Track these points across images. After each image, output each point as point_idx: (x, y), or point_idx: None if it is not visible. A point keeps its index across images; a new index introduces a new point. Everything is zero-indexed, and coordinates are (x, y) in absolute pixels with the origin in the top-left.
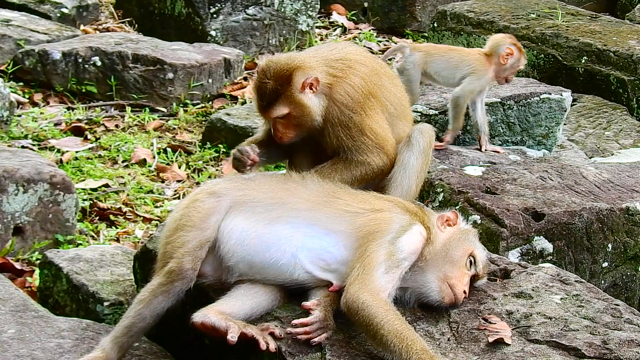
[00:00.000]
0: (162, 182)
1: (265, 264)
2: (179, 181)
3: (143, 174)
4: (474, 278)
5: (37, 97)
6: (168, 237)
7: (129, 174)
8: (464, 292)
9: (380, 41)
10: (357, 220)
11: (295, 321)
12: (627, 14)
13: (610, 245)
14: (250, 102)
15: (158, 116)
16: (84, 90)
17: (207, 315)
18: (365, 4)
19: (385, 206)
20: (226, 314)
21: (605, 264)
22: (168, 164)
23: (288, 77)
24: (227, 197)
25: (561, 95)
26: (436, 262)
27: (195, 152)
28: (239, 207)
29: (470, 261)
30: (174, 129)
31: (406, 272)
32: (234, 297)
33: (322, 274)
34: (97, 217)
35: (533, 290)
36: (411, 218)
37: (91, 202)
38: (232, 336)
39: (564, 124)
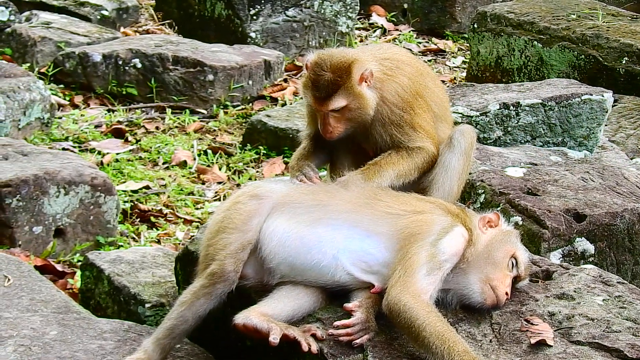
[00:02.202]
0: (203, 183)
1: (306, 265)
2: (219, 183)
3: (183, 176)
4: (515, 279)
5: (78, 99)
6: (210, 239)
7: (170, 176)
8: (506, 293)
9: (420, 42)
10: (399, 222)
11: (337, 322)
12: None
13: None
14: (291, 103)
15: (198, 118)
16: (124, 92)
17: (249, 317)
18: (405, 5)
19: (426, 208)
20: (268, 315)
21: None
22: (208, 166)
23: (347, 68)
24: (269, 199)
25: (602, 96)
26: (478, 263)
27: (236, 153)
28: (281, 209)
29: (512, 262)
30: (214, 130)
31: (448, 274)
32: (276, 299)
33: (363, 275)
34: (138, 219)
35: (575, 291)
36: (453, 220)
37: (132, 203)
38: (274, 337)
39: (605, 125)
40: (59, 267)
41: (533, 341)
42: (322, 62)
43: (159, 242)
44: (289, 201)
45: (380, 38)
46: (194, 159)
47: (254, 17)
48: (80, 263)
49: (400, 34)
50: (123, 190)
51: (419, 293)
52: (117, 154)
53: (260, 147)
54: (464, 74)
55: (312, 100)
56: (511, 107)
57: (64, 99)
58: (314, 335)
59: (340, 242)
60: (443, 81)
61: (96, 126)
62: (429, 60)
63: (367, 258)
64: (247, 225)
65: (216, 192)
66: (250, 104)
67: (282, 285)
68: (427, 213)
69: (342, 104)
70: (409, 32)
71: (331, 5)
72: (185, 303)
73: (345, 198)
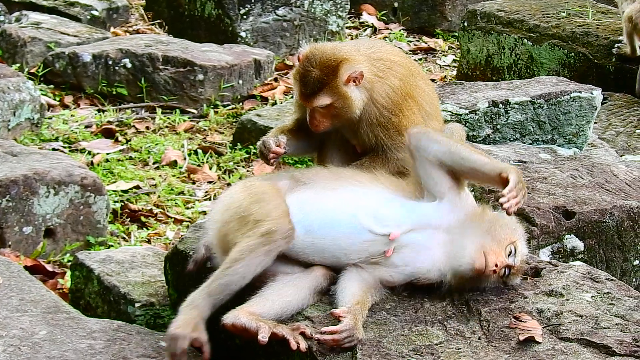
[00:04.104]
0: (193, 183)
1: (324, 224)
2: (209, 182)
3: (174, 176)
4: (509, 271)
5: (68, 99)
6: (242, 212)
7: (160, 176)
8: (495, 265)
9: (410, 41)
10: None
11: (324, 329)
12: None
13: None
14: (281, 103)
15: (188, 118)
16: (114, 93)
17: (237, 316)
18: (396, 4)
19: None
20: (257, 314)
21: (636, 262)
22: (199, 166)
23: (334, 68)
24: (282, 181)
25: (591, 93)
26: (480, 230)
27: (226, 153)
28: (296, 186)
29: (511, 249)
30: (205, 130)
31: (451, 231)
32: (264, 297)
33: (381, 229)
34: (128, 219)
35: (564, 288)
36: None
37: (122, 203)
38: (263, 336)
39: (595, 122)
40: (49, 267)
41: (522, 338)
42: (312, 57)
43: (149, 241)
44: (303, 180)
45: (370, 37)
46: (184, 158)
47: (244, 17)
48: (70, 263)
49: (390, 33)
50: (113, 190)
51: None
52: (108, 154)
53: (251, 147)
54: (455, 73)
55: (297, 94)
56: (500, 105)
57: (54, 99)
58: (303, 334)
59: (359, 201)
60: (433, 80)
61: (86, 126)
62: (420, 59)
63: (384, 211)
64: (279, 193)
65: (206, 192)
66: (241, 104)
67: (270, 284)
68: None
69: (326, 102)
70: (400, 30)
71: (321, 4)
72: (239, 260)
73: (357, 176)
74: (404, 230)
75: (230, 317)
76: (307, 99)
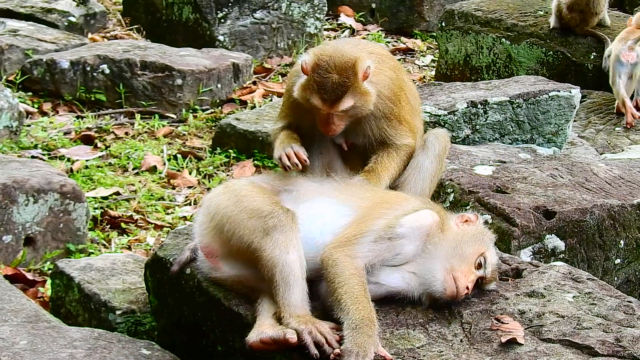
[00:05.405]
0: (173, 188)
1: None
2: (189, 187)
3: (154, 181)
4: (481, 281)
5: (46, 106)
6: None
7: (140, 182)
8: (467, 287)
9: (388, 42)
10: (376, 195)
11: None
12: (635, 9)
13: (622, 242)
14: (260, 106)
15: (168, 123)
16: (93, 99)
17: (261, 332)
18: (373, 5)
19: (407, 195)
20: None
21: (617, 261)
22: (178, 171)
23: (352, 68)
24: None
25: (570, 92)
26: (446, 251)
27: (206, 157)
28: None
29: (481, 261)
30: (184, 135)
31: (418, 257)
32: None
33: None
34: (109, 226)
35: (545, 289)
36: (426, 204)
37: (102, 210)
38: (292, 336)
39: (574, 121)
40: (29, 276)
41: (504, 340)
42: (326, 64)
43: (129, 248)
44: (279, 190)
45: (349, 37)
46: (164, 163)
47: (222, 20)
48: (50, 271)
49: (368, 34)
50: (93, 197)
51: (356, 256)
52: (87, 160)
53: (230, 151)
54: (433, 73)
55: (319, 102)
56: (479, 105)
57: (33, 107)
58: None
59: (327, 218)
60: (413, 80)
61: (65, 133)
62: (399, 60)
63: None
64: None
65: (187, 197)
66: (220, 108)
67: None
68: (403, 195)
69: (350, 104)
70: (378, 31)
71: (299, 7)
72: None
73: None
74: None
75: (254, 336)
76: (332, 105)
